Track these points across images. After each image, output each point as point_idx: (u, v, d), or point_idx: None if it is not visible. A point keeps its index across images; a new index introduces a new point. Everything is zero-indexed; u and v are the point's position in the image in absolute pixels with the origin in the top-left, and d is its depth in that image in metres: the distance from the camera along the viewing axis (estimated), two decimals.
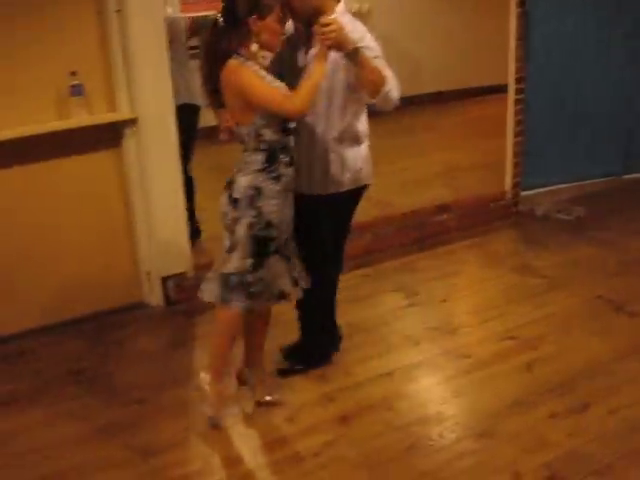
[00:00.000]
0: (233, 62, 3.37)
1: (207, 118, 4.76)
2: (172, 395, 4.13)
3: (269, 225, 3.55)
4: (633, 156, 6.80)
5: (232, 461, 3.63)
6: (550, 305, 4.90)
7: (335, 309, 4.27)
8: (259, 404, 3.95)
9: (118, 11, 4.55)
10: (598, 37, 6.29)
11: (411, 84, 9.53)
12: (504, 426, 3.70)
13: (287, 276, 3.72)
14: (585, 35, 6.24)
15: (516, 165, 6.42)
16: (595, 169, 6.69)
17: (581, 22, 6.20)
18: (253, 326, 3.91)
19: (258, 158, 3.50)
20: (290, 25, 3.76)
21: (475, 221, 6.26)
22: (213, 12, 3.61)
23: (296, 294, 3.79)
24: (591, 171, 6.69)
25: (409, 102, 9.14)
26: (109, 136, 4.80)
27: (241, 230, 3.55)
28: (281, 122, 3.48)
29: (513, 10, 6.01)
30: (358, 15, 6.16)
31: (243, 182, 3.52)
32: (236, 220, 3.55)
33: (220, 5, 3.45)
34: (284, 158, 3.54)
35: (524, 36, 6.03)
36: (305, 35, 3.70)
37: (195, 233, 5.50)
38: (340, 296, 4.36)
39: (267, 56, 3.69)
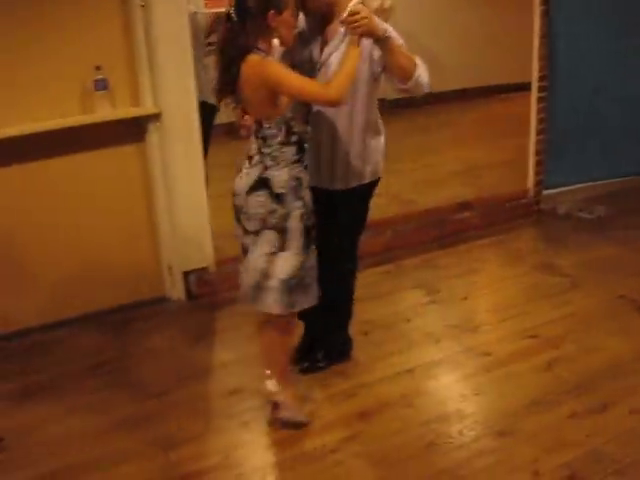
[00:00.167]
0: (254, 57, 3.32)
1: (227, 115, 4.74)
2: (192, 389, 4.15)
3: (312, 212, 3.55)
4: None
5: (251, 456, 3.65)
6: (571, 304, 4.88)
7: (353, 306, 4.28)
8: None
9: (142, 6, 4.57)
10: (620, 34, 6.24)
11: (432, 81, 9.55)
12: (524, 425, 3.70)
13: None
14: (607, 33, 6.19)
15: (538, 163, 6.39)
16: (617, 168, 6.65)
17: (603, 20, 6.16)
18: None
19: (291, 150, 3.45)
20: (301, 20, 3.74)
21: (496, 219, 6.25)
22: None
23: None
24: (613, 170, 6.65)
25: (430, 99, 9.18)
26: (133, 131, 4.82)
27: (293, 224, 3.48)
28: (305, 113, 3.50)
29: (536, 8, 5.98)
30: (380, 12, 6.14)
31: (283, 176, 3.45)
32: (286, 216, 3.46)
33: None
34: (307, 148, 3.54)
35: (547, 34, 6.01)
36: (318, 30, 3.71)
37: None
38: (361, 293, 4.37)
39: (277, 51, 3.67)
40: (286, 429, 3.76)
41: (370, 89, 3.72)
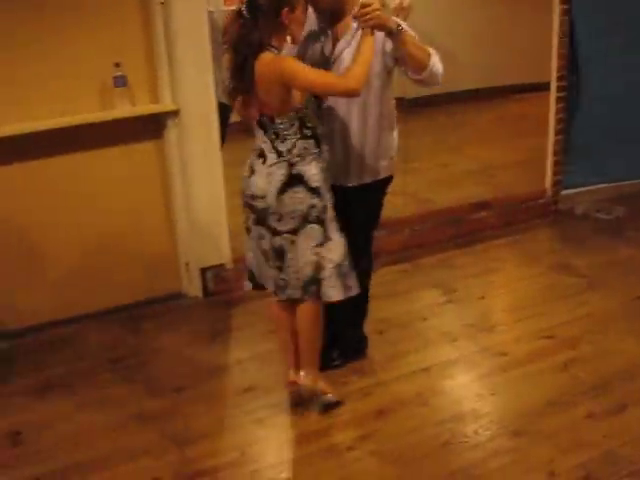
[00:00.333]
0: (267, 55, 3.35)
1: None
2: (207, 386, 4.17)
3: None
4: None
5: (266, 453, 3.66)
6: (588, 305, 4.86)
7: (368, 304, 4.29)
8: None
9: (162, 3, 4.58)
10: None
11: (448, 81, 9.51)
12: (540, 425, 3.68)
13: None
14: (630, 32, 6.16)
15: (556, 163, 6.37)
16: (637, 169, 6.62)
17: (627, 18, 6.12)
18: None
19: (310, 144, 3.48)
20: (312, 17, 3.78)
21: (513, 219, 6.23)
22: None
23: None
24: (632, 171, 6.62)
25: (447, 99, 9.17)
26: (151, 127, 4.84)
27: (330, 214, 3.55)
28: (316, 108, 3.51)
29: (556, 6, 5.96)
30: (399, 10, 6.10)
31: (314, 169, 3.48)
32: (325, 208, 3.53)
33: None
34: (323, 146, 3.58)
35: (568, 32, 5.98)
36: (329, 26, 3.72)
37: None
38: (377, 291, 4.38)
39: (288, 48, 3.68)
40: (326, 413, 3.83)
41: (383, 82, 3.73)
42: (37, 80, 4.42)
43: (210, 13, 5.20)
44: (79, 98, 4.55)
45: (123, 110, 4.64)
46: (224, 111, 5.28)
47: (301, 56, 3.72)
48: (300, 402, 3.89)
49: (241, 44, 3.38)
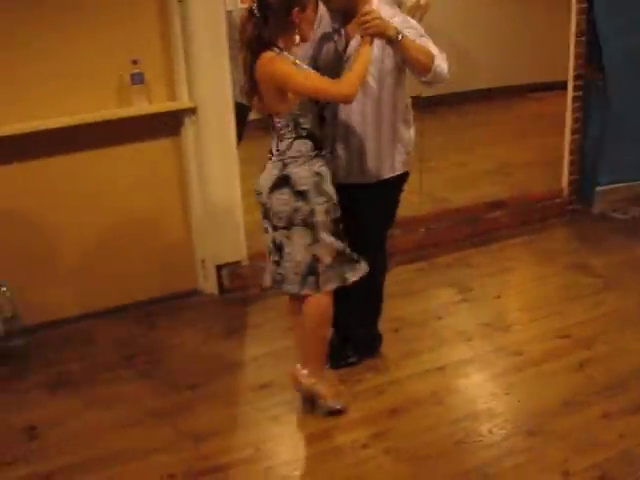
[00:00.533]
0: (268, 54, 3.38)
1: None
2: (224, 382, 4.18)
3: (337, 206, 3.60)
4: None
5: (281, 450, 3.67)
6: (604, 305, 4.85)
7: (382, 302, 4.29)
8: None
9: (180, 1, 4.59)
10: None
11: (465, 79, 9.49)
12: (555, 425, 3.68)
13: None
14: None
15: (572, 163, 6.35)
16: None
17: None
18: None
19: (307, 146, 3.50)
20: (325, 16, 3.80)
21: (529, 218, 6.22)
22: None
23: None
24: None
25: (463, 98, 9.15)
26: (168, 125, 4.85)
27: (319, 218, 3.53)
28: (315, 111, 3.50)
29: (573, 5, 5.93)
30: (415, 8, 6.09)
31: (303, 172, 3.49)
32: (311, 212, 3.51)
33: None
34: (324, 147, 3.59)
35: (592, 31, 5.96)
36: (342, 25, 3.75)
37: None
38: (393, 290, 4.39)
39: (302, 47, 3.69)
40: (329, 417, 3.80)
41: (396, 80, 3.76)
42: (54, 77, 4.45)
43: (229, 12, 5.21)
44: (96, 95, 4.57)
45: (140, 107, 4.66)
46: (241, 110, 5.29)
47: (316, 56, 3.77)
48: (309, 399, 3.89)
49: (252, 43, 3.42)
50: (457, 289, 5.09)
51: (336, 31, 3.76)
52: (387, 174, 3.89)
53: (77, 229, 4.75)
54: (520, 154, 7.60)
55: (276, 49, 3.40)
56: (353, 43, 3.67)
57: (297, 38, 3.47)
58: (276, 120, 3.50)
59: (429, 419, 3.78)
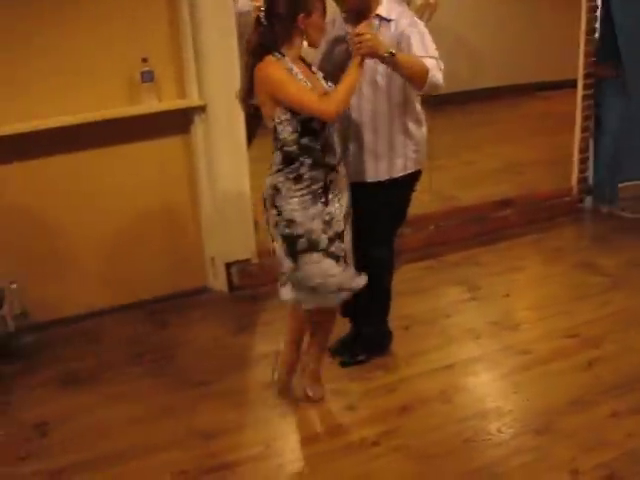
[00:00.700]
0: (269, 58, 3.40)
1: None
2: (233, 380, 4.20)
3: (292, 222, 3.52)
4: None
5: (291, 447, 3.69)
6: (612, 304, 4.85)
7: (391, 299, 4.30)
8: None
9: None
10: None
11: (474, 78, 9.49)
12: (563, 424, 3.68)
13: (336, 279, 3.62)
14: None
15: (582, 161, 6.35)
16: None
17: None
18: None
19: (277, 158, 3.53)
20: (338, 21, 3.84)
21: (538, 217, 6.22)
22: None
23: (340, 299, 3.72)
24: None
25: (472, 96, 9.15)
26: (178, 122, 4.87)
27: (272, 229, 3.62)
28: (298, 123, 3.43)
29: (584, 3, 5.92)
30: (425, 7, 6.09)
31: (267, 182, 3.57)
32: (268, 220, 3.63)
33: None
34: (305, 159, 3.48)
35: (595, 30, 5.96)
36: (355, 26, 3.74)
37: None
38: (402, 288, 4.41)
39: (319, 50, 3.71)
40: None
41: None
42: (63, 75, 4.47)
43: (247, 13, 5.21)
44: (106, 93, 4.59)
45: (150, 105, 4.67)
46: (255, 118, 5.30)
47: (328, 57, 3.81)
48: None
49: (256, 48, 3.45)
50: (466, 287, 5.10)
51: (348, 33, 3.77)
52: (399, 172, 3.92)
53: (87, 227, 4.78)
54: (528, 153, 7.60)
55: (278, 55, 3.42)
56: None
57: (304, 44, 3.50)
58: (270, 126, 3.52)
59: (438, 417, 3.79)
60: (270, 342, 4.50)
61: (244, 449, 3.61)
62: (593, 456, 3.45)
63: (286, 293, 3.74)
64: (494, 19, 9.69)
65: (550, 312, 4.77)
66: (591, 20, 5.94)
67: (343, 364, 4.23)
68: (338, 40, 3.81)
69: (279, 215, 3.54)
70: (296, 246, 3.54)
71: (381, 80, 3.72)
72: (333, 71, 3.65)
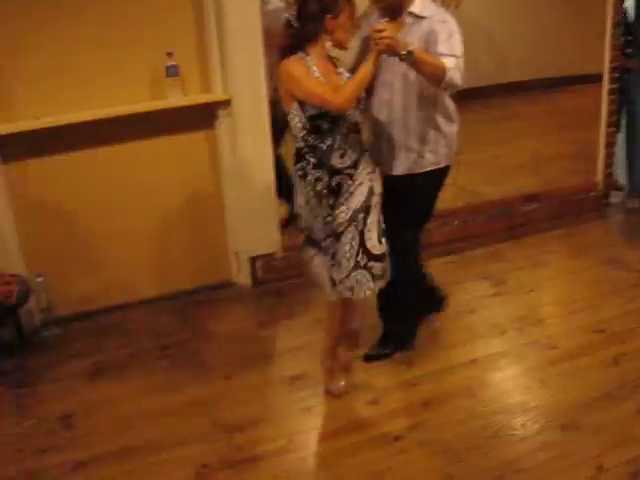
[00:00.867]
0: (293, 56, 3.48)
1: None
2: (257, 374, 4.21)
3: (298, 216, 3.76)
4: None
5: (315, 440, 3.68)
6: (638, 299, 4.80)
7: (417, 294, 4.30)
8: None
9: None
10: None
11: (501, 72, 9.44)
12: (589, 419, 3.66)
13: (326, 274, 3.75)
14: None
15: (608, 156, 6.30)
16: None
17: None
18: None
19: (294, 152, 3.66)
20: (371, 20, 3.83)
21: (564, 212, 6.18)
22: None
23: (333, 296, 3.78)
24: None
25: (498, 90, 9.10)
26: (203, 117, 4.87)
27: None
28: (306, 120, 3.51)
29: None
30: None
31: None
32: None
33: None
34: (310, 158, 3.59)
35: (620, 24, 5.90)
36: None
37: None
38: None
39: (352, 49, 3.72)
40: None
41: None
42: (89, 69, 4.48)
43: (275, 9, 5.21)
44: (131, 87, 4.60)
45: (175, 99, 4.67)
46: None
47: (361, 54, 3.79)
48: None
49: (284, 49, 3.53)
50: (491, 282, 5.08)
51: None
52: (429, 167, 3.92)
53: (112, 221, 4.80)
54: (555, 147, 7.55)
55: (302, 54, 3.49)
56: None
57: (329, 44, 3.52)
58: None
59: (462, 412, 3.78)
60: (294, 336, 4.53)
61: (267, 443, 3.62)
62: (619, 453, 3.42)
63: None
64: (520, 12, 9.64)
65: (576, 307, 4.74)
66: (617, 13, 5.88)
67: (367, 358, 4.23)
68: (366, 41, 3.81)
69: (294, 206, 3.76)
70: (303, 234, 3.82)
71: (412, 76, 3.71)
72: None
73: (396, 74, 3.74)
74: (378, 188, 3.68)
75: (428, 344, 4.36)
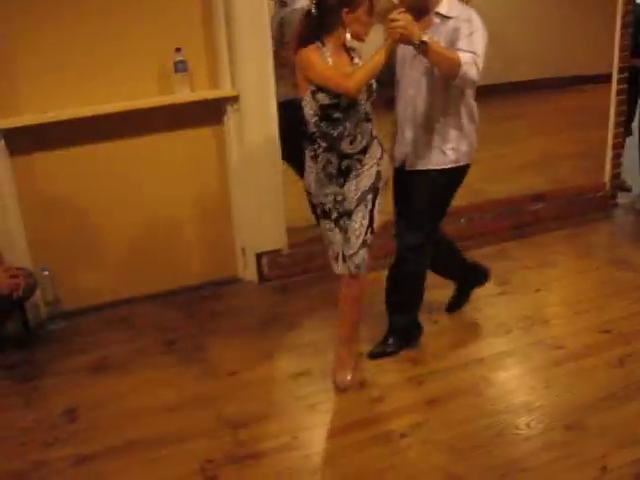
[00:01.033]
0: (311, 45, 3.56)
1: None
2: (263, 370, 4.21)
3: (308, 192, 3.90)
4: None
5: (320, 437, 3.68)
6: None
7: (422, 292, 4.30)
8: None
9: None
10: None
11: (509, 71, 9.42)
12: (594, 420, 3.65)
13: (338, 248, 3.86)
14: None
15: (616, 156, 6.29)
16: None
17: None
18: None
19: (305, 135, 3.77)
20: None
21: (571, 212, 6.17)
22: None
23: (341, 270, 3.87)
24: None
25: (506, 89, 9.09)
26: (211, 113, 4.88)
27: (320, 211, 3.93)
28: (318, 107, 3.61)
29: None
30: None
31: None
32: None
33: None
34: (322, 142, 3.72)
35: (629, 24, 5.88)
36: (416, 21, 3.74)
37: None
38: (432, 281, 4.39)
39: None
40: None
41: None
42: (97, 64, 4.49)
43: (293, 10, 5.22)
44: (139, 83, 4.60)
45: (183, 95, 4.67)
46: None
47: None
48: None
49: (298, 39, 3.62)
50: (497, 281, 5.05)
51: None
52: (449, 164, 3.95)
53: (118, 216, 4.80)
54: (562, 147, 7.55)
55: (319, 43, 3.57)
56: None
57: (347, 36, 3.60)
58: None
59: (467, 411, 3.77)
60: (299, 333, 4.54)
61: (271, 439, 3.61)
62: (623, 453, 3.41)
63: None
64: (530, 12, 9.63)
65: (582, 308, 4.74)
66: (627, 13, 5.86)
67: (372, 355, 4.23)
68: None
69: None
70: (316, 210, 3.92)
71: (437, 70, 3.72)
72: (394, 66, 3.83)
73: (423, 71, 3.78)
74: (385, 173, 3.83)
75: (434, 342, 4.36)
